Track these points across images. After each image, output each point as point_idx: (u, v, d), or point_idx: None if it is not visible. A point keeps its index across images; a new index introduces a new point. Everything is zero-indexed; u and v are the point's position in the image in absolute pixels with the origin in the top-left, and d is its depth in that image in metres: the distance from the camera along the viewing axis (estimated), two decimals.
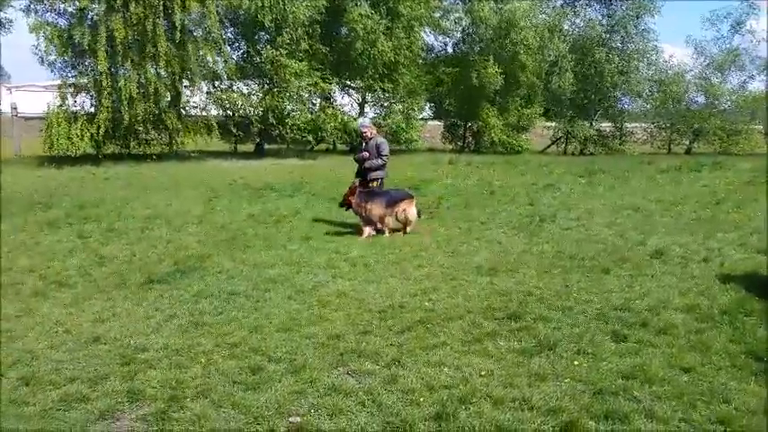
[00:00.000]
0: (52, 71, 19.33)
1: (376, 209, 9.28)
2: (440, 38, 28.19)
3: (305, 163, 20.73)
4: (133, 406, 3.99)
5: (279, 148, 24.85)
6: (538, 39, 26.36)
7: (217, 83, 22.30)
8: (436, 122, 30.66)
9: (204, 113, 22.35)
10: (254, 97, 23.02)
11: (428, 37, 27.59)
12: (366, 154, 9.83)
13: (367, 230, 9.31)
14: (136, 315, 5.69)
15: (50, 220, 10.08)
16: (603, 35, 28.78)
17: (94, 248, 8.29)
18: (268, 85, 22.94)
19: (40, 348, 4.88)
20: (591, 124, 29.73)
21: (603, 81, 28.51)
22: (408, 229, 9.49)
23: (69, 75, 19.48)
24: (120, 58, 18.49)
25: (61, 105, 18.87)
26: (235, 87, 22.78)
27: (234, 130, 22.84)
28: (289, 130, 22.69)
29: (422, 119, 28.07)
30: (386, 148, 9.86)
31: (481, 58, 26.14)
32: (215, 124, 21.26)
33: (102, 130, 18.45)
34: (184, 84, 21.38)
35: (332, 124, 23.37)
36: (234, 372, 4.48)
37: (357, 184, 9.72)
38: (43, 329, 5.32)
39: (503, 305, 5.86)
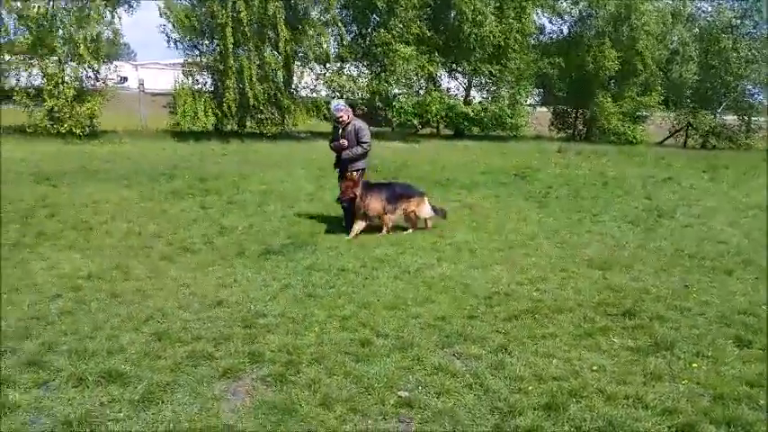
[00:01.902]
0: (178, 49, 20.56)
1: (374, 203, 8.20)
2: (554, 20, 27.18)
3: (409, 146, 20.85)
4: (254, 367, 4.26)
5: (383, 131, 25.14)
6: (660, 24, 24.80)
7: (328, 65, 22.83)
8: (543, 109, 29.67)
9: (314, 95, 22.99)
10: (362, 80, 23.38)
11: (541, 20, 26.72)
12: (344, 142, 8.28)
13: (357, 226, 8.15)
14: (255, 283, 6.04)
15: (174, 191, 10.84)
16: (734, 21, 26.55)
17: (215, 219, 8.84)
18: (377, 68, 23.21)
19: (169, 307, 5.30)
20: (714, 116, 27.65)
21: (730, 70, 26.37)
22: (428, 225, 8.63)
23: (194, 54, 20.62)
24: (241, 39, 19.37)
25: (187, 83, 20.07)
26: (344, 70, 23.23)
27: None
28: (394, 114, 22.88)
29: (529, 105, 27.29)
30: (366, 134, 8.31)
31: (597, 42, 25.00)
32: (324, 105, 21.82)
33: (228, 108, 19.49)
34: (297, 65, 22.10)
35: (437, 107, 23.32)
36: (345, 343, 4.66)
37: (358, 175, 8.29)
38: (171, 291, 5.76)
39: (616, 301, 5.66)
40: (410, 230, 8.47)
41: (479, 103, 25.03)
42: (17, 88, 18.17)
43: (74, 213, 8.69)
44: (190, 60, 20.77)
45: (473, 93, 25.90)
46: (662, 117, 29.06)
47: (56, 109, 17.63)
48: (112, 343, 4.49)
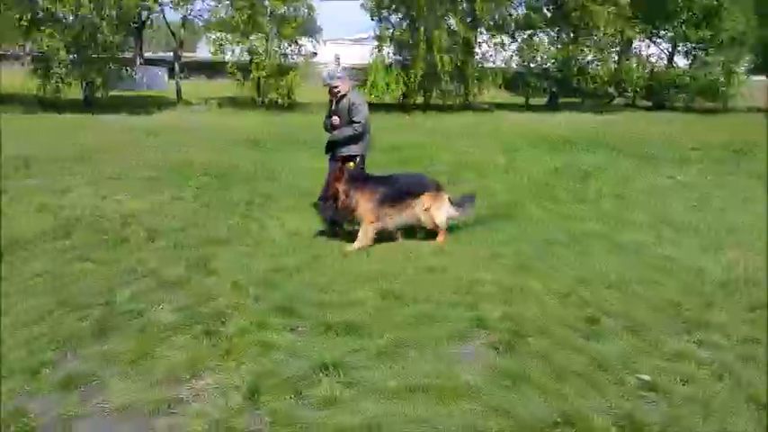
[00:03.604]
0: (373, 21, 21.30)
1: (364, 202, 6.11)
2: None
3: (603, 118, 19.69)
4: (480, 333, 4.32)
5: (573, 102, 23.98)
6: None
7: (517, 33, 22.21)
8: (761, 78, 26.21)
9: (500, 65, 22.55)
10: (553, 47, 22.41)
11: None
12: (336, 120, 6.60)
13: (365, 232, 6.16)
14: (463, 251, 6.11)
15: (373, 160, 11.26)
16: None
17: None
18: (569, 34, 22.08)
19: (392, 269, 5.56)
20: None
21: None
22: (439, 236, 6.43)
23: (386, 27, 21.23)
24: (429, 10, 19.53)
25: (380, 56, 20.79)
26: (535, 38, 22.43)
27: (527, 83, 22.67)
28: (588, 82, 21.65)
29: (745, 73, 24.27)
30: (361, 111, 6.47)
31: None
32: (512, 76, 21.37)
33: (415, 80, 19.92)
34: (482, 34, 21.81)
35: (636, 76, 21.65)
36: (570, 318, 4.55)
37: (357, 164, 6.60)
38: (391, 253, 6.04)
39: None
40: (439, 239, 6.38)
41: (685, 72, 22.76)
42: (229, 62, 20.15)
43: (288, 178, 9.46)
44: (380, 34, 21.45)
45: (676, 59, 23.66)
46: None
47: (262, 81, 19.28)
48: (349, 297, 4.83)
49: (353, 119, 6.48)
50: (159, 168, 9.99)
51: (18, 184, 8.75)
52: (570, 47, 21.50)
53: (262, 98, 19.53)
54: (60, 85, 18.06)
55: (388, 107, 20.38)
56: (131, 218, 7.11)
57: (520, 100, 24.76)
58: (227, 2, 19.82)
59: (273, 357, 3.90)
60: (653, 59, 23.44)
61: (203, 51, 38.80)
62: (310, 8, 20.96)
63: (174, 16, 29.19)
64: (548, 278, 5.36)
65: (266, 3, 19.33)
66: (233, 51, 19.82)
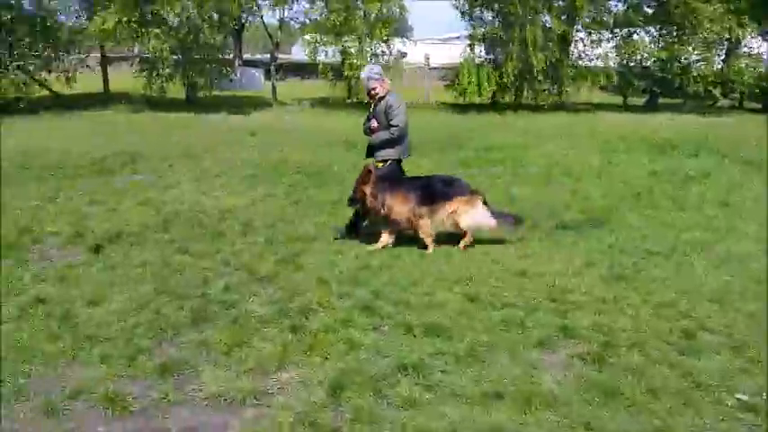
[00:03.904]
0: (464, 20, 21.11)
1: (398, 206, 6.00)
2: None
3: (707, 120, 18.53)
4: (568, 342, 4.18)
5: (674, 102, 22.69)
6: None
7: (615, 30, 21.29)
8: None
9: (597, 63, 21.70)
10: (654, 46, 21.30)
11: None
12: (374, 123, 6.39)
13: (385, 238, 6.15)
14: (554, 257, 5.94)
15: (461, 160, 11.24)
16: None
17: (503, 189, 8.91)
18: (671, 31, 20.89)
19: (476, 272, 5.49)
20: None
21: None
22: (466, 238, 6.16)
23: (478, 25, 20.98)
24: (524, 7, 19.11)
25: (472, 55, 20.58)
26: (635, 35, 21.41)
27: (627, 82, 21.69)
28: (691, 83, 20.41)
29: None
30: (399, 114, 6.19)
31: None
32: (611, 75, 20.52)
33: (507, 79, 19.58)
34: (578, 32, 21.09)
35: (745, 77, 20.16)
36: (665, 332, 4.30)
37: (372, 166, 6.28)
38: (474, 256, 5.96)
39: None
40: (466, 241, 6.14)
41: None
42: (321, 63, 20.63)
43: None
44: (471, 32, 21.22)
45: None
46: None
47: (354, 81, 19.57)
48: (430, 298, 4.82)
49: (391, 122, 6.24)
50: (256, 166, 10.40)
51: (124, 179, 9.38)
52: (673, 45, 20.32)
53: (352, 98, 19.86)
54: (165, 84, 19.19)
55: (478, 107, 20.16)
56: (228, 213, 7.44)
57: (617, 100, 23.74)
58: (322, 4, 20.31)
59: (356, 355, 3.95)
60: (765, 58, 21.73)
61: (298, 53, 39.98)
62: (402, 8, 21.06)
63: (271, 19, 30.35)
64: (644, 289, 5.11)
65: (360, 4, 19.64)
66: (326, 53, 20.28)
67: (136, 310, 4.56)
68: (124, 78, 21.24)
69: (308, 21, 23.21)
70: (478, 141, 13.45)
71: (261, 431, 3.18)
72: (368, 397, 3.48)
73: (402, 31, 24.21)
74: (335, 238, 6.45)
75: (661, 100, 23.09)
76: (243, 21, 27.22)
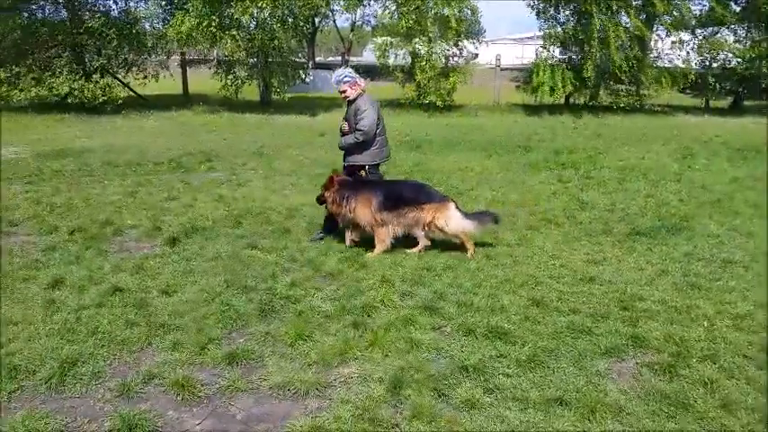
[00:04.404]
0: (539, 20, 20.70)
1: (362, 209, 5.90)
2: None
3: None
4: (637, 351, 4.04)
5: (759, 105, 21.40)
6: None
7: (699, 30, 20.31)
8: None
9: (678, 64, 20.76)
10: (739, 45, 20.16)
11: None
12: (345, 126, 6.31)
13: (378, 236, 5.98)
14: (626, 263, 5.75)
15: (531, 163, 11.03)
16: None
17: (574, 193, 8.68)
18: (761, 30, 19.73)
19: (542, 276, 5.38)
20: None
21: None
22: (468, 248, 5.95)
23: (553, 25, 20.52)
24: (602, 5, 18.54)
25: (546, 54, 20.16)
26: (718, 35, 20.35)
27: (709, 83, 20.65)
28: None
29: None
30: (365, 118, 6.06)
31: None
32: (692, 75, 19.61)
33: (583, 80, 19.08)
34: (657, 32, 20.28)
35: None
36: (742, 344, 4.08)
37: (343, 172, 6.37)
38: (541, 260, 5.84)
39: None
40: (417, 249, 6.03)
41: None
42: (392, 65, 20.71)
43: (444, 179, 9.53)
44: (546, 32, 20.76)
45: None
46: None
47: (423, 83, 19.56)
48: (494, 301, 4.76)
49: (357, 126, 6.13)
50: (324, 166, 10.57)
51: (200, 176, 9.76)
52: (760, 44, 19.16)
53: (421, 100, 19.84)
54: (240, 86, 19.81)
55: (550, 108, 19.72)
56: (295, 211, 7.61)
57: (698, 102, 22.65)
58: (394, 6, 20.41)
59: (417, 354, 3.96)
60: None
61: (369, 55, 40.33)
62: (473, 10, 20.86)
63: (344, 23, 30.85)
64: (721, 300, 4.86)
65: (431, 6, 19.61)
66: (396, 55, 20.35)
67: (207, 301, 4.74)
68: (202, 80, 22.09)
69: (379, 24, 23.38)
70: (549, 143, 13.18)
71: (322, 422, 3.23)
72: (427, 395, 3.48)
73: (474, 32, 23.94)
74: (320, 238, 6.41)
75: (747, 102, 21.84)
76: (316, 24, 27.81)
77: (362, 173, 6.35)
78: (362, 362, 3.87)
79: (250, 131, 15.21)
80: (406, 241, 6.14)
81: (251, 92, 20.75)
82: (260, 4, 16.97)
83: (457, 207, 6.00)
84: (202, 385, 3.60)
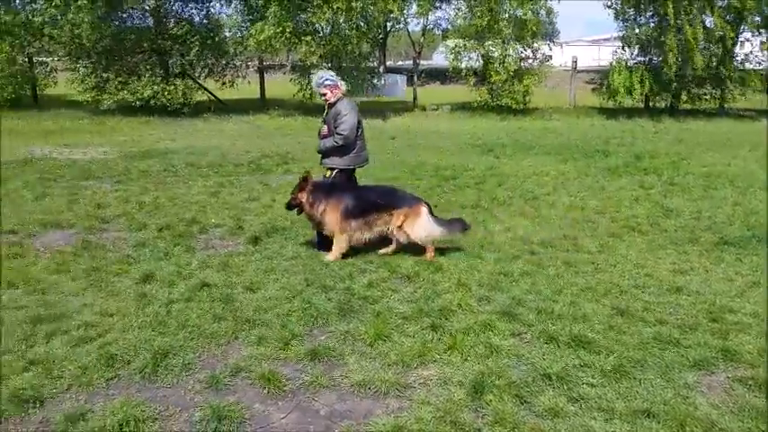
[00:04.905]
0: (623, 22, 20.06)
1: (331, 213, 5.83)
2: None
3: None
4: (728, 365, 3.86)
5: None
6: None
7: None
8: None
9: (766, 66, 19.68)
10: None
11: None
12: (324, 129, 6.26)
13: (337, 242, 5.90)
14: (714, 274, 5.50)
15: (610, 168, 10.71)
16: None
17: (657, 200, 8.37)
18: None
19: (625, 285, 5.22)
20: None
21: None
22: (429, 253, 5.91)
23: (631, 26, 19.88)
24: (683, 6, 17.82)
25: (624, 56, 19.57)
26: None
27: None
28: None
29: None
30: (347, 121, 6.03)
31: None
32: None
33: (663, 83, 18.41)
34: (744, 32, 19.28)
35: None
36: None
37: (333, 177, 6.25)
38: (624, 268, 5.67)
39: None
40: (387, 250, 6.06)
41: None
42: (464, 68, 20.60)
43: (518, 183, 9.40)
44: (624, 34, 20.13)
45: None
46: None
47: (497, 86, 19.35)
48: (575, 309, 4.66)
49: (336, 129, 6.08)
50: (394, 168, 10.66)
51: (278, 178, 10.04)
52: None
53: (495, 103, 19.64)
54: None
55: (628, 111, 19.09)
56: None
57: None
58: (467, 9, 20.31)
59: (497, 359, 3.93)
60: None
61: (439, 59, 40.25)
62: (549, 11, 20.49)
63: (415, 27, 30.97)
64: None
65: (505, 8, 19.39)
66: (469, 58, 20.25)
67: (288, 299, 4.88)
68: (278, 85, 22.73)
69: (450, 27, 23.31)
70: (629, 148, 12.77)
71: (404, 422, 3.27)
72: (509, 402, 3.45)
73: (548, 34, 23.50)
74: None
75: None
76: (387, 29, 28.04)
77: (328, 173, 6.31)
78: (442, 365, 3.88)
79: None
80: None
81: None
82: (335, 6, 17.20)
83: (430, 212, 5.97)
84: (287, 380, 3.71)
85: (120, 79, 18.33)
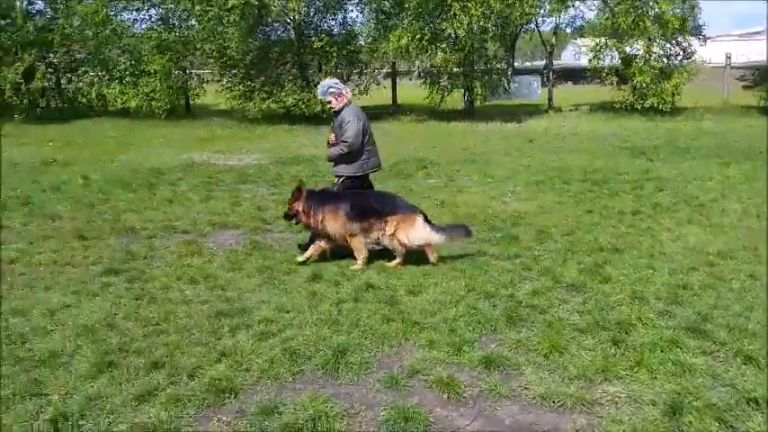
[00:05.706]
0: None
1: (333, 220, 5.81)
2: None
3: None
4: None
5: None
6: None
7: None
8: None
9: None
10: None
11: None
12: (332, 137, 6.24)
13: (312, 249, 6.02)
14: None
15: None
16: None
17: None
18: None
19: None
20: None
21: None
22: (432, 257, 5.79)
23: None
24: None
25: None
26: None
27: None
28: None
29: None
30: (351, 128, 6.02)
31: None
32: None
33: None
34: None
35: None
36: None
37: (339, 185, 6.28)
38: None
39: None
40: (395, 262, 5.87)
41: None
42: (606, 68, 19.62)
43: (680, 188, 8.76)
44: None
45: None
46: None
47: (642, 85, 18.22)
48: None
49: (342, 137, 6.10)
50: (538, 173, 10.35)
51: (420, 182, 10.10)
52: None
53: (640, 103, 18.50)
54: (445, 95, 20.22)
55: None
56: (519, 218, 7.51)
57: None
58: (609, 7, 19.36)
59: (690, 379, 3.64)
60: None
61: (567, 58, 38.82)
62: (693, 6, 19.04)
63: (543, 27, 30.04)
64: None
65: (651, 4, 18.23)
66: (610, 57, 19.28)
67: (452, 303, 4.85)
68: (409, 91, 23.00)
69: (584, 24, 22.35)
70: None
71: None
72: (713, 425, 3.17)
73: (695, 29, 21.87)
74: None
75: None
76: (518, 31, 27.44)
77: (335, 180, 6.36)
78: (629, 382, 3.65)
79: (456, 139, 15.42)
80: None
81: (454, 101, 21.10)
82: (473, 12, 17.09)
83: (426, 219, 5.84)
84: (465, 386, 3.67)
85: (265, 89, 19.44)
